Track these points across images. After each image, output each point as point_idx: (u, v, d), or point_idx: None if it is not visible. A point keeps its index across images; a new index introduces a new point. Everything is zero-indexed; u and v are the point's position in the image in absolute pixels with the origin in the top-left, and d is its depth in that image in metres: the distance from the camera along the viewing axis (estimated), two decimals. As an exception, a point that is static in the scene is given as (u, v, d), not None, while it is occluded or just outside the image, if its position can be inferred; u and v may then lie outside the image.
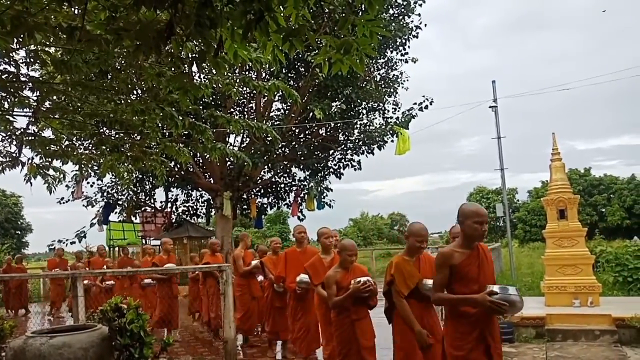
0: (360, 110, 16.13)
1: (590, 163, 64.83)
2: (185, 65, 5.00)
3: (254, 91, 14.46)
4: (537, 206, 39.56)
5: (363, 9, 10.16)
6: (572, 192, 9.18)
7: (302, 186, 18.10)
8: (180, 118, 5.91)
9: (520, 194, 48.78)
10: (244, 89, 14.67)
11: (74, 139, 7.19)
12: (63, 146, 6.70)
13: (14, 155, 6.43)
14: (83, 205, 17.19)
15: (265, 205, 19.05)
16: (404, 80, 16.99)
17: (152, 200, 18.42)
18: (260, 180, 17.73)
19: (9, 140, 6.37)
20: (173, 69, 5.00)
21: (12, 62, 5.24)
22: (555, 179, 9.22)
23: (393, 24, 14.75)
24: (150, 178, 16.50)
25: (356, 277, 4.42)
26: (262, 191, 18.68)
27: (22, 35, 3.60)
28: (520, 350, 6.92)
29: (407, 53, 16.11)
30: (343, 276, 4.51)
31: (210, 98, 14.02)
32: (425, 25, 15.89)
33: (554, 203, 8.97)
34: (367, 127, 16.25)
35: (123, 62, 5.36)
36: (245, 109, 17.38)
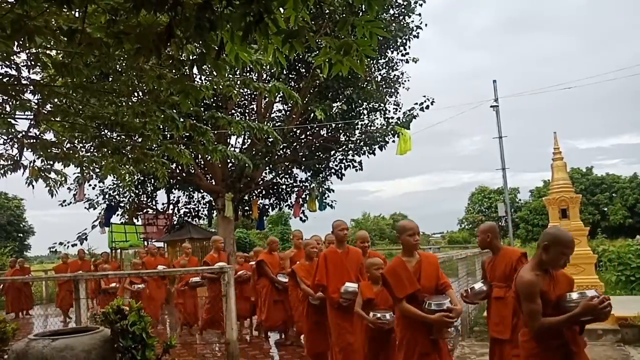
0: (361, 111, 16.12)
1: (592, 162, 64.98)
2: (186, 68, 5.01)
3: (255, 93, 14.50)
4: (539, 205, 39.56)
5: (363, 10, 10.17)
6: (574, 192, 9.19)
7: (303, 187, 18.09)
8: (181, 120, 5.92)
9: (522, 194, 48.89)
10: (245, 90, 14.71)
11: (76, 141, 7.21)
12: (64, 149, 6.72)
13: (16, 158, 6.45)
14: (85, 208, 17.22)
15: (266, 207, 19.05)
16: (405, 81, 17.00)
17: (153, 202, 18.43)
18: (261, 182, 17.74)
19: (11, 143, 6.39)
20: (174, 72, 5.01)
21: (13, 65, 5.26)
22: (557, 178, 9.23)
23: (393, 24, 14.75)
24: (152, 180, 16.51)
25: (561, 286, 3.18)
26: (263, 192, 18.69)
27: (22, 39, 3.61)
28: (522, 350, 6.90)
29: (407, 53, 16.11)
30: (548, 284, 3.12)
31: (211, 100, 14.06)
32: (426, 25, 15.91)
33: (555, 202, 8.97)
34: (368, 127, 16.25)
35: (124, 64, 5.37)
36: (246, 111, 17.39)
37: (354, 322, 5.03)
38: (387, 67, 16.61)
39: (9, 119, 5.87)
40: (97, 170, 7.62)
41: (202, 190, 18.13)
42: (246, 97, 16.72)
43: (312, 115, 14.94)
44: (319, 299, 5.58)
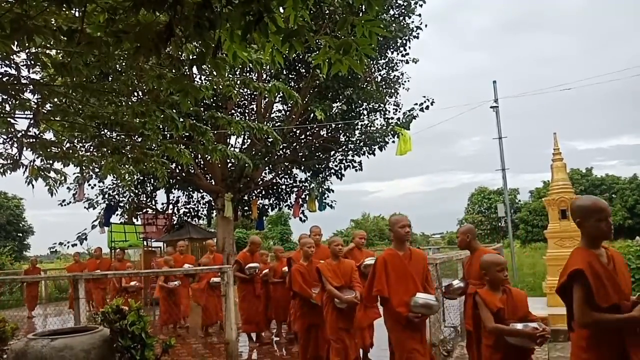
0: (361, 111, 16.12)
1: (591, 163, 64.83)
2: (186, 67, 5.00)
3: (255, 92, 14.49)
4: (539, 206, 39.54)
5: (363, 10, 10.17)
6: (574, 192, 9.19)
7: (303, 187, 18.09)
8: (181, 120, 5.92)
9: (521, 194, 48.84)
10: (245, 90, 14.72)
11: (75, 141, 7.21)
12: (64, 148, 6.72)
13: (15, 157, 6.44)
14: (84, 208, 17.22)
15: (266, 207, 19.05)
16: (405, 81, 17.01)
17: (153, 202, 18.43)
18: (261, 182, 17.73)
19: (10, 142, 6.38)
20: (173, 71, 5.00)
21: (12, 65, 5.26)
22: (557, 179, 9.23)
23: (394, 25, 14.75)
24: (152, 180, 16.52)
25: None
26: (263, 192, 18.68)
27: (22, 38, 3.60)
28: (522, 350, 6.90)
29: (407, 54, 16.12)
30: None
31: (211, 99, 14.06)
32: (426, 25, 15.92)
33: (555, 203, 8.97)
34: (368, 127, 16.25)
35: (123, 64, 5.37)
36: (246, 111, 17.39)
37: (419, 337, 4.25)
38: (387, 68, 16.62)
39: (8, 119, 5.87)
40: (97, 169, 7.64)
41: (201, 190, 18.13)
42: (246, 97, 16.73)
43: (312, 115, 14.95)
44: (346, 302, 5.05)
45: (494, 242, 34.42)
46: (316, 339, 5.75)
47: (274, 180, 18.20)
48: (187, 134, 6.53)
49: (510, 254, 16.14)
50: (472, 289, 4.87)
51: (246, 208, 18.48)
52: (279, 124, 15.83)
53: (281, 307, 8.27)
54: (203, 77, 9.23)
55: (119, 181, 15.72)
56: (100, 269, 11.79)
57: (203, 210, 19.16)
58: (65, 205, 16.77)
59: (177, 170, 15.73)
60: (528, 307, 3.70)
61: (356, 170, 17.09)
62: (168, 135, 9.26)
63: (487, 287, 3.75)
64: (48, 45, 4.73)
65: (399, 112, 16.63)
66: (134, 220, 18.23)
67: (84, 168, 7.43)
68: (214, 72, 5.47)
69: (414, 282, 4.24)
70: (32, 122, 6.08)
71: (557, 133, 9.36)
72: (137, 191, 17.33)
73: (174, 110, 5.93)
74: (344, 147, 16.71)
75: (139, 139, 6.84)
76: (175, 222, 18.40)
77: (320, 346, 5.71)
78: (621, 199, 42.22)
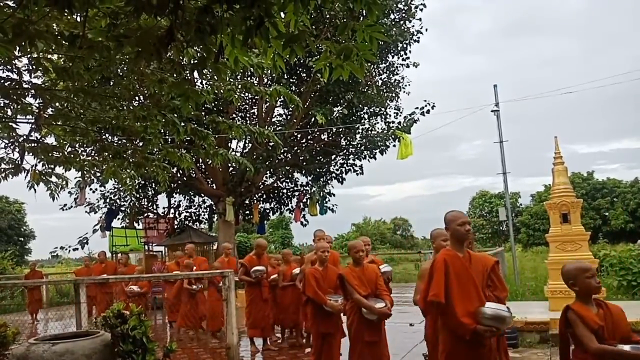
0: (362, 115, 16.15)
1: (592, 167, 64.90)
2: (187, 72, 5.02)
3: (256, 97, 14.52)
4: (540, 210, 39.55)
5: (364, 15, 10.19)
6: (575, 196, 9.17)
7: (304, 191, 18.10)
8: (182, 124, 5.93)
9: (523, 198, 48.79)
10: (246, 94, 14.75)
11: (77, 145, 7.22)
12: (66, 153, 6.73)
13: (17, 162, 6.45)
14: (86, 212, 17.22)
15: (267, 211, 19.05)
16: (406, 85, 17.04)
17: (154, 207, 18.43)
18: (262, 186, 17.74)
19: (12, 147, 6.40)
20: (174, 76, 5.02)
21: (14, 70, 5.28)
22: (558, 182, 9.21)
23: (394, 29, 14.78)
24: (153, 184, 16.52)
25: None
26: (264, 196, 18.69)
27: (23, 43, 3.62)
28: (524, 355, 6.89)
29: (408, 58, 16.14)
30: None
31: (212, 104, 14.08)
32: (427, 29, 15.96)
33: (556, 207, 8.95)
34: (369, 131, 16.27)
35: (125, 68, 5.39)
36: (247, 115, 17.42)
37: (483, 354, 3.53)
38: (387, 72, 16.65)
39: (10, 123, 5.88)
40: (98, 174, 7.65)
41: (203, 195, 18.14)
42: (247, 101, 16.76)
43: (313, 119, 14.98)
44: (378, 313, 4.76)
45: (495, 245, 34.37)
46: (329, 348, 5.56)
47: (275, 184, 18.21)
48: (189, 138, 6.53)
49: (511, 257, 16.11)
50: None
51: (247, 212, 18.49)
52: (280, 128, 15.85)
53: (289, 313, 8.24)
54: (204, 82, 9.25)
55: (120, 185, 15.75)
56: (106, 273, 11.75)
57: (204, 215, 19.17)
58: (66, 209, 16.81)
59: (179, 175, 15.75)
60: (629, 325, 3.22)
61: (357, 174, 17.12)
62: (169, 140, 9.26)
63: (578, 300, 3.25)
64: (50, 50, 4.75)
65: (400, 116, 16.66)
66: (135, 224, 18.23)
67: (85, 172, 7.45)
68: (215, 77, 5.49)
69: (475, 289, 3.55)
70: (33, 126, 6.10)
71: (558, 136, 9.35)
72: (138, 195, 17.33)
73: (175, 115, 5.94)
74: (345, 151, 16.72)
75: (140, 143, 6.85)
76: (176, 227, 18.40)
77: (334, 356, 5.57)
78: (622, 202, 42.17)
